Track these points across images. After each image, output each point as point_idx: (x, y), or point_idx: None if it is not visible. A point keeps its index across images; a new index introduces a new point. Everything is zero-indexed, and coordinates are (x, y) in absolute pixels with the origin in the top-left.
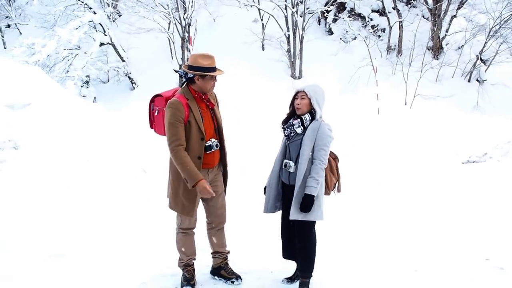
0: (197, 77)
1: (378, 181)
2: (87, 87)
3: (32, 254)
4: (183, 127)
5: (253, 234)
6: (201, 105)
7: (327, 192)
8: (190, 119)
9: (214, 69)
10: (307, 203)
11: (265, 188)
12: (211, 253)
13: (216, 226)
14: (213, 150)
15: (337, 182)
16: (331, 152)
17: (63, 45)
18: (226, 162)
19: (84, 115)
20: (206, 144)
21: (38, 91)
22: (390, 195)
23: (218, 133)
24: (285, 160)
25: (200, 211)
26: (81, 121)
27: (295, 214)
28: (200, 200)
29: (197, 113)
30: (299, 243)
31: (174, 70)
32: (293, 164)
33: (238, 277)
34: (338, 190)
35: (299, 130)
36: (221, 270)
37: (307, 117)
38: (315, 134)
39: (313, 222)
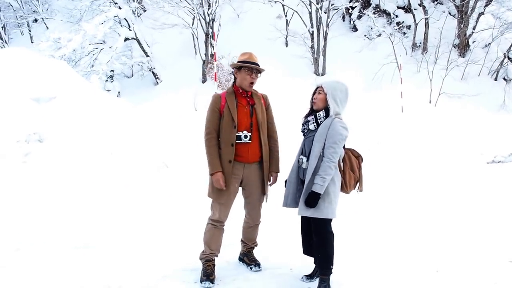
0: (236, 71)
1: (401, 179)
2: (112, 82)
3: (56, 245)
4: (218, 117)
5: (274, 230)
6: (240, 99)
7: (345, 191)
8: (225, 109)
9: (249, 62)
10: (311, 199)
11: (285, 182)
12: (240, 240)
13: (249, 222)
14: (242, 141)
15: (359, 182)
16: (353, 150)
17: (89, 39)
18: (266, 162)
19: (108, 109)
20: (237, 134)
21: (63, 85)
22: (413, 193)
23: (256, 130)
24: (300, 156)
25: (234, 209)
26: (105, 115)
27: (302, 210)
28: (242, 196)
29: (232, 104)
30: (315, 239)
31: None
32: (306, 160)
33: (257, 265)
34: (360, 190)
35: (312, 127)
36: (245, 256)
37: (321, 113)
38: (326, 131)
39: (329, 220)
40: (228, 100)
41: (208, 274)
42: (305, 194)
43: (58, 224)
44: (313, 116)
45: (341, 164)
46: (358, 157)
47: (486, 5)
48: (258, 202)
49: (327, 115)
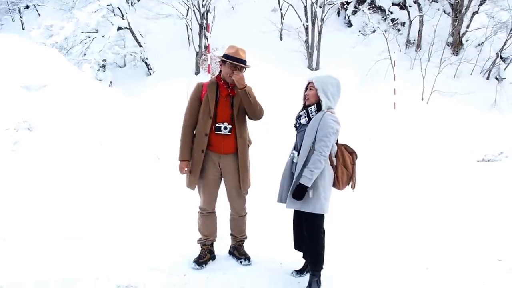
0: (221, 63)
1: (392, 176)
2: (104, 71)
3: (44, 235)
4: (196, 106)
5: (265, 225)
6: (222, 90)
7: (337, 187)
8: (204, 99)
9: (235, 59)
10: (298, 192)
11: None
12: (230, 234)
13: (232, 214)
14: (222, 132)
15: (352, 178)
16: (347, 146)
17: (81, 28)
18: (242, 153)
19: (100, 99)
20: (216, 125)
21: (54, 73)
22: (404, 191)
23: (236, 121)
24: (292, 151)
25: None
26: (97, 104)
27: (290, 203)
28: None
29: (212, 94)
30: (307, 235)
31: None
32: (297, 154)
33: (247, 259)
34: (353, 187)
35: (303, 121)
36: (235, 250)
37: (313, 108)
38: (317, 124)
39: (321, 216)
40: (209, 90)
41: (199, 257)
42: (293, 186)
43: (47, 214)
44: (305, 111)
45: (334, 159)
46: (352, 153)
47: (481, 4)
48: (237, 193)
49: (318, 109)
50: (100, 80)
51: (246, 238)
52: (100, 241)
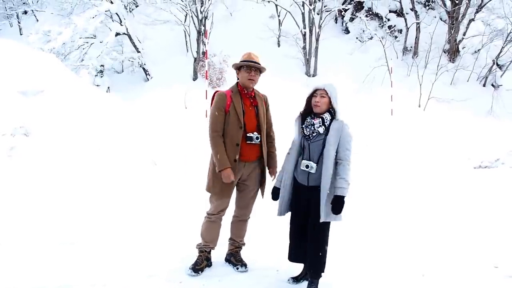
0: (237, 72)
1: (389, 182)
2: (101, 77)
3: (40, 241)
4: (223, 116)
5: (262, 232)
6: (245, 100)
7: None
8: (230, 109)
9: (248, 61)
10: (340, 205)
11: (274, 190)
12: (228, 239)
13: (238, 216)
14: (253, 142)
15: None
16: None
17: (79, 33)
18: (265, 160)
19: (97, 104)
20: (248, 135)
21: (51, 78)
22: (401, 197)
23: (262, 130)
24: (305, 161)
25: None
26: (94, 110)
27: (327, 217)
28: (235, 191)
29: (238, 104)
30: (314, 243)
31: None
32: (315, 165)
33: (243, 265)
34: None
35: (321, 130)
36: (231, 256)
37: (327, 116)
38: (339, 134)
39: (329, 224)
40: (234, 100)
41: (195, 263)
42: (328, 200)
43: (42, 220)
44: (319, 120)
45: None
46: None
47: (477, 12)
48: (253, 197)
49: (331, 118)
50: (97, 85)
51: (244, 244)
52: (96, 247)
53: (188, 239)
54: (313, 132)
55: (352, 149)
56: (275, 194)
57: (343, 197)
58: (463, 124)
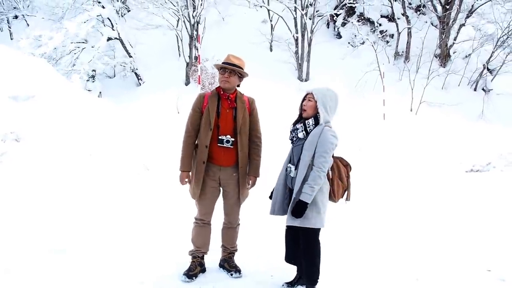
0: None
1: (382, 187)
2: (93, 82)
3: (32, 248)
4: (198, 117)
5: (256, 237)
6: (223, 102)
7: (333, 200)
8: (205, 110)
9: (224, 63)
10: (299, 209)
11: (272, 193)
12: (220, 246)
13: (226, 224)
14: (224, 145)
15: (347, 190)
16: (342, 159)
17: (70, 38)
18: (242, 167)
19: (89, 109)
20: (219, 137)
21: (42, 83)
22: (393, 202)
23: (238, 134)
24: (289, 164)
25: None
26: (85, 115)
27: (290, 220)
28: (221, 198)
29: (213, 105)
30: (303, 249)
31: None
32: (294, 169)
33: (237, 271)
34: (347, 199)
35: (301, 135)
36: (225, 262)
37: (310, 121)
38: (316, 139)
39: (317, 230)
40: (210, 101)
41: (189, 269)
42: (293, 203)
43: (33, 227)
44: (302, 124)
45: (330, 172)
46: (347, 166)
47: (467, 17)
48: (235, 204)
49: (316, 123)
50: (89, 90)
51: (236, 250)
52: (87, 253)
53: (181, 245)
54: (294, 137)
55: (330, 156)
56: (270, 196)
57: (304, 202)
58: (454, 128)
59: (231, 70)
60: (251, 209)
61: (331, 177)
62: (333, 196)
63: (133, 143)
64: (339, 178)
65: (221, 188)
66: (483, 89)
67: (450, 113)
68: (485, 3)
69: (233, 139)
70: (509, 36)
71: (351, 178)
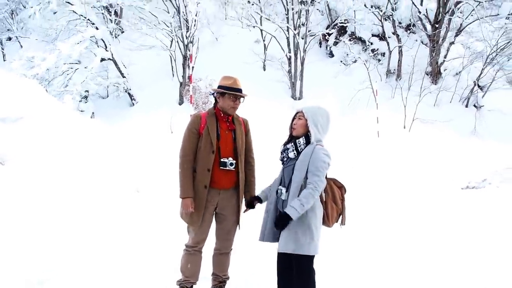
0: (218, 95)
1: (377, 206)
2: (86, 102)
3: (19, 278)
4: (196, 139)
5: (247, 265)
6: (221, 123)
7: (327, 224)
8: (204, 132)
9: (234, 89)
10: (281, 221)
11: (251, 198)
12: (211, 274)
13: (219, 249)
14: (227, 168)
15: (342, 214)
16: (336, 180)
17: (63, 59)
18: (242, 188)
19: (79, 131)
20: (221, 160)
21: (32, 105)
22: (390, 222)
23: (239, 156)
24: (279, 187)
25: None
26: (75, 136)
27: (282, 246)
28: (214, 222)
29: (212, 127)
30: (296, 277)
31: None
32: (285, 191)
33: None
34: (342, 223)
35: (291, 155)
36: None
37: (301, 140)
38: (307, 159)
39: (311, 257)
40: (208, 122)
41: None
42: (288, 228)
43: (20, 254)
44: (292, 143)
45: (323, 195)
46: (341, 188)
47: (456, 35)
48: (232, 228)
49: (307, 142)
50: (82, 111)
51: (228, 278)
52: (76, 282)
53: (170, 274)
54: (284, 157)
55: (323, 175)
56: (250, 203)
57: (288, 215)
58: (448, 144)
59: (241, 97)
60: (241, 235)
61: (324, 199)
62: (327, 221)
63: (124, 164)
64: (333, 201)
65: (215, 212)
66: (474, 105)
67: (443, 129)
68: (473, 22)
69: (235, 161)
70: (498, 54)
71: (345, 201)
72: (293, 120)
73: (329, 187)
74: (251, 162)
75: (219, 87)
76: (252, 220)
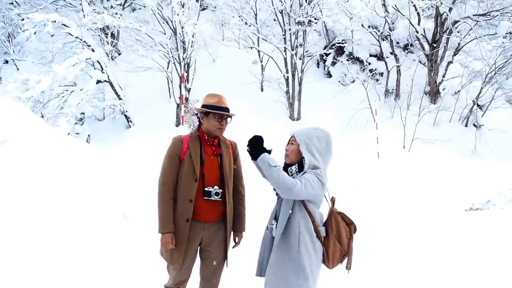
0: (202, 115)
1: (379, 230)
2: (81, 125)
3: None
4: (176, 166)
5: None
6: (206, 147)
7: (327, 265)
8: (186, 157)
9: (219, 108)
10: (253, 145)
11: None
12: None
13: None
14: (212, 198)
15: (347, 256)
16: (345, 215)
17: (59, 81)
18: (231, 221)
19: (67, 155)
20: (205, 189)
21: (17, 128)
22: (392, 245)
23: (226, 184)
24: (272, 221)
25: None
26: (62, 160)
27: (274, 285)
28: (198, 259)
29: (195, 152)
30: None
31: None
32: (275, 227)
33: None
34: (348, 267)
35: None
36: None
37: (293, 168)
38: None
39: None
40: (191, 147)
41: None
42: (273, 259)
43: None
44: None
45: (320, 229)
46: (350, 225)
47: (454, 55)
48: (218, 266)
49: (300, 170)
50: (77, 133)
51: None
52: None
53: None
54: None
55: (316, 184)
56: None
57: (257, 153)
58: (448, 164)
59: (228, 116)
60: (229, 271)
61: (327, 234)
62: (327, 261)
63: (112, 189)
64: (338, 240)
65: (198, 248)
66: (474, 124)
67: (443, 149)
68: (470, 41)
69: (221, 191)
70: (496, 73)
71: (354, 241)
72: (287, 145)
73: (334, 222)
74: (241, 191)
75: (203, 106)
76: (242, 254)
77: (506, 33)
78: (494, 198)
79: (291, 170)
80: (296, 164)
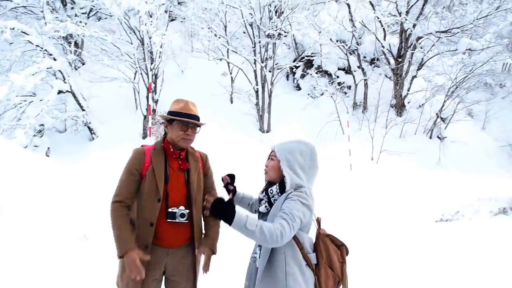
0: (166, 123)
1: (352, 244)
2: (41, 137)
3: None
4: (136, 182)
5: None
6: (171, 161)
7: None
8: (148, 173)
9: (184, 114)
10: (217, 208)
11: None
12: None
13: None
14: (177, 220)
15: (342, 283)
16: (334, 238)
17: (16, 91)
18: (198, 246)
19: (22, 169)
20: (169, 210)
21: None
22: (366, 257)
23: (193, 204)
24: (256, 250)
25: None
26: (17, 176)
27: None
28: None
29: (159, 167)
30: None
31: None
32: (259, 256)
33: None
34: None
35: (263, 209)
36: None
37: (274, 189)
38: (277, 213)
39: None
40: (154, 161)
41: None
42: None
43: None
44: (265, 194)
45: (310, 255)
46: (341, 247)
47: (418, 69)
48: None
49: (282, 190)
50: (36, 146)
51: None
52: None
53: None
54: (255, 211)
55: (302, 215)
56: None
57: (231, 219)
58: (415, 175)
59: (195, 125)
60: None
61: (316, 262)
62: None
63: (73, 207)
64: (329, 266)
65: (164, 278)
66: (438, 137)
67: (410, 160)
68: (433, 56)
69: (188, 211)
70: (457, 87)
71: (347, 264)
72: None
73: (323, 246)
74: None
75: (168, 112)
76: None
77: (466, 49)
78: (462, 209)
79: (271, 191)
80: (277, 185)
